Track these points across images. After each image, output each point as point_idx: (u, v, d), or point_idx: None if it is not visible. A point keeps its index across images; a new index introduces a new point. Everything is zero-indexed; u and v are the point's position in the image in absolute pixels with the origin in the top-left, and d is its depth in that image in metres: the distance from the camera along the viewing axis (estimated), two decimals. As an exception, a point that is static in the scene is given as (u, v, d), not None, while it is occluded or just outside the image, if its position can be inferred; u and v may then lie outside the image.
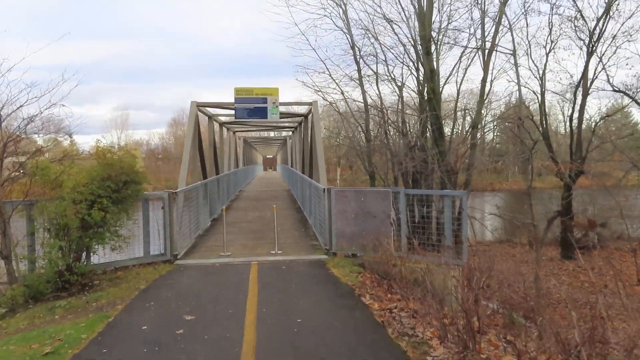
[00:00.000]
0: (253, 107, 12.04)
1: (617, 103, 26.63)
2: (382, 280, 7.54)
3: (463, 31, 34.41)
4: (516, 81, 20.30)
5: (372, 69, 25.53)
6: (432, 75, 19.99)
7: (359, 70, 24.54)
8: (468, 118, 27.97)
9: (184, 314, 5.52)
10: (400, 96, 25.81)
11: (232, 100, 12.27)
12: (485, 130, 25.17)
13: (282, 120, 21.07)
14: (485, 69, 20.37)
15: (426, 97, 23.70)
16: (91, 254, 7.49)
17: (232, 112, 12.53)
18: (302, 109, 18.03)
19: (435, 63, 20.39)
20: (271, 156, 77.65)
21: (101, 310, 5.77)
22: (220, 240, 9.96)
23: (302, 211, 15.57)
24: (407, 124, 27.24)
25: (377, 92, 25.30)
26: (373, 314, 5.56)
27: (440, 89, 21.57)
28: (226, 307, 5.76)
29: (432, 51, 20.05)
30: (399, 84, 25.60)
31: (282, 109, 12.85)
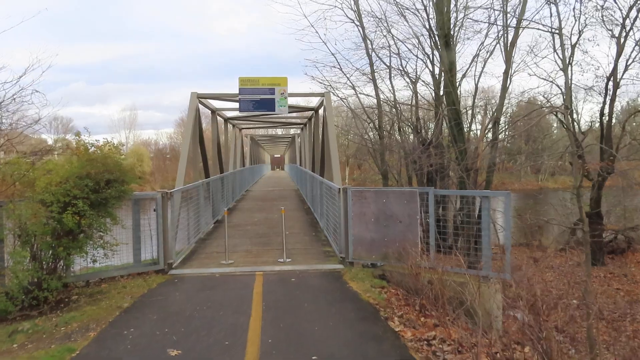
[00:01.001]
0: (259, 99, 10.91)
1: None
2: (410, 296, 6.37)
3: (482, 22, 33.02)
4: (541, 74, 18.94)
5: (384, 63, 24.35)
6: (451, 68, 18.74)
7: (371, 64, 23.35)
8: (480, 115, 26.71)
9: (169, 345, 4.40)
10: (414, 91, 24.63)
11: (237, 92, 11.15)
12: (507, 125, 23.82)
13: (290, 115, 19.98)
14: (508, 59, 19.09)
15: (443, 92, 22.51)
16: (70, 265, 6.40)
17: (237, 105, 11.36)
18: (312, 103, 16.86)
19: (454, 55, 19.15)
20: (279, 155, 76.71)
21: (68, 339, 4.66)
22: (222, 245, 8.84)
23: (311, 212, 14.44)
24: (422, 121, 26.05)
25: (391, 87, 24.11)
26: (407, 347, 4.40)
27: (458, 83, 20.33)
28: (222, 336, 4.63)
29: (451, 43, 18.83)
30: (413, 78, 24.47)
31: (291, 101, 11.69)
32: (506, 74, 19.40)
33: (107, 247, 6.69)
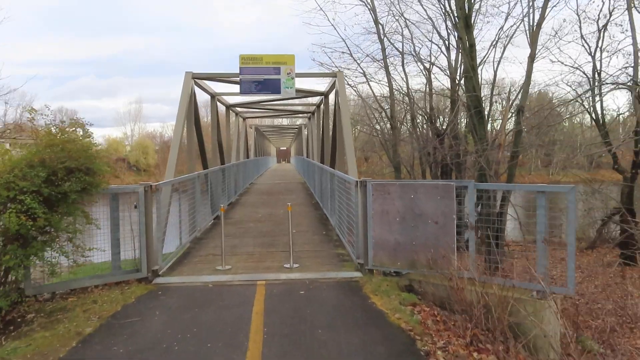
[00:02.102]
0: (263, 80, 9.59)
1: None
2: (450, 316, 5.08)
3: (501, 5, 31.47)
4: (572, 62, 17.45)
5: (397, 49, 22.92)
6: (471, 51, 17.29)
7: (383, 49, 21.92)
8: (499, 104, 25.19)
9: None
10: (429, 78, 23.21)
11: (238, 72, 9.83)
12: (531, 113, 22.26)
13: (296, 102, 18.68)
14: (533, 41, 17.59)
15: (462, 77, 21.06)
16: (26, 277, 5.16)
17: (240, 91, 10.02)
18: (322, 88, 15.49)
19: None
20: (285, 148, 75.51)
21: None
22: (220, 246, 7.54)
23: (320, 208, 13.15)
24: (437, 110, 24.61)
25: (403, 75, 22.66)
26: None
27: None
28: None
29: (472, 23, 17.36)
30: (427, 64, 23.01)
31: (298, 85, 10.33)
32: (531, 58, 17.90)
33: (74, 254, 5.46)
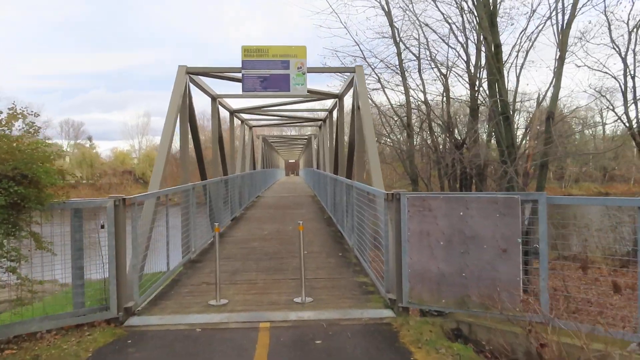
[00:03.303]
0: (269, 75, 8.24)
1: None
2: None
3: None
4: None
5: (413, 53, 21.56)
6: (497, 52, 15.88)
7: (398, 54, 20.56)
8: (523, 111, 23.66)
9: None
10: (446, 85, 21.80)
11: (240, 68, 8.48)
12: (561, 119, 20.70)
13: (305, 109, 17.32)
14: (563, 42, 16.16)
15: (479, 84, 19.71)
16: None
17: (242, 89, 8.64)
18: (334, 89, 14.10)
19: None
20: (293, 161, 74.47)
21: None
22: (221, 271, 6.03)
23: (334, 224, 11.71)
24: (455, 118, 23.16)
25: (420, 81, 21.27)
26: None
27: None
28: None
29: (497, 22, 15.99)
30: (445, 70, 21.62)
31: (309, 81, 8.94)
32: (561, 60, 16.43)
33: (18, 289, 4.07)
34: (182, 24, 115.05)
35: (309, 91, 9.88)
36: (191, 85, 9.74)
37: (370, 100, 22.82)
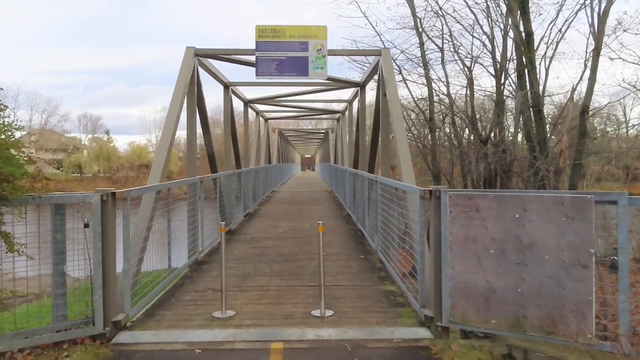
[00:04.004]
0: (285, 58, 7.43)
1: None
2: None
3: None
4: None
5: (436, 44, 20.53)
6: (528, 41, 14.79)
7: (421, 44, 19.54)
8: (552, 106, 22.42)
9: None
10: (470, 78, 20.72)
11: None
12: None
13: (324, 99, 16.48)
14: (600, 32, 15.01)
15: (505, 77, 18.64)
16: None
17: (256, 73, 7.84)
18: (355, 78, 13.19)
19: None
20: (309, 155, 73.83)
21: None
22: (228, 275, 5.26)
23: (353, 222, 10.90)
24: (480, 113, 22.07)
25: (443, 73, 20.29)
26: None
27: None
28: None
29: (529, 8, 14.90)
30: (469, 62, 20.56)
31: (330, 66, 8.08)
32: (597, 51, 15.25)
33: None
34: (201, 20, 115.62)
35: (328, 78, 9.06)
36: (201, 71, 9.01)
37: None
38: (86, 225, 4.09)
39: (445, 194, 4.22)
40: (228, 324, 4.53)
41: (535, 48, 16.32)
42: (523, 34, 14.83)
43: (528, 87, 15.13)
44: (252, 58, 7.77)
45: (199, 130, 9.75)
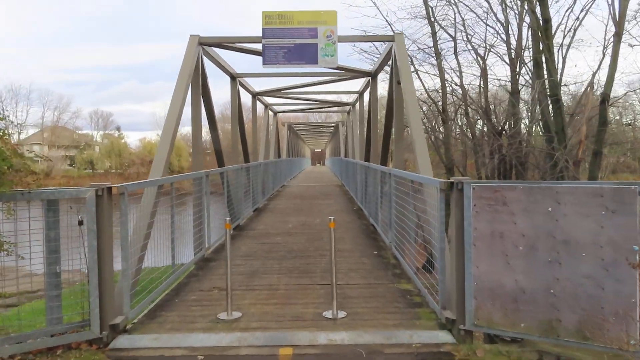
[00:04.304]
0: (293, 45, 7.08)
1: None
2: None
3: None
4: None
5: (449, 34, 20.02)
6: (546, 28, 14.25)
7: (433, 34, 19.08)
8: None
9: None
10: (484, 69, 20.19)
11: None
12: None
13: (332, 91, 16.11)
14: (622, 15, 14.42)
15: (520, 65, 18.12)
16: None
17: (263, 62, 7.50)
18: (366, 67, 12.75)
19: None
20: (319, 150, 73.58)
21: None
22: (234, 273, 4.95)
23: (365, 216, 10.58)
24: (494, 103, 21.53)
25: (455, 63, 19.75)
26: None
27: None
28: None
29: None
30: (482, 52, 20.02)
31: (341, 54, 7.69)
32: (618, 36, 14.68)
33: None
34: (213, 15, 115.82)
35: (338, 67, 8.70)
36: (207, 62, 8.70)
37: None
38: (80, 223, 3.81)
39: (468, 186, 3.86)
40: (234, 327, 4.23)
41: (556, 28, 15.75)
42: (540, 20, 14.28)
43: (546, 76, 14.60)
44: (259, 47, 7.44)
45: (207, 125, 9.48)
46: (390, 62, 7.92)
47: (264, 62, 7.25)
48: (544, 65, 14.88)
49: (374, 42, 19.62)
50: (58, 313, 3.91)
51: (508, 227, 3.69)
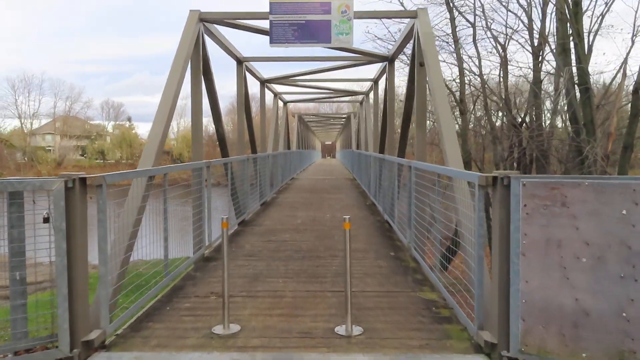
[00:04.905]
0: (304, 22, 6.35)
1: None
2: None
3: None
4: None
5: (468, 20, 19.08)
6: (575, 12, 13.31)
7: (452, 19, 18.17)
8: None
9: None
10: (504, 58, 19.23)
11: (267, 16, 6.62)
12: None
13: (344, 78, 15.31)
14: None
15: (543, 53, 17.18)
16: None
17: (270, 40, 6.78)
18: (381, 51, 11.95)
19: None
20: (330, 142, 72.93)
21: None
22: (235, 276, 4.28)
23: (378, 212, 9.88)
24: (515, 94, 20.60)
25: (474, 50, 18.85)
26: None
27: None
28: None
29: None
30: (502, 40, 19.05)
31: (357, 34, 6.93)
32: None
33: None
34: (225, 6, 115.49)
35: (353, 50, 7.97)
36: (211, 44, 8.02)
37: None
38: (46, 220, 3.17)
39: (516, 182, 3.14)
40: (230, 345, 3.57)
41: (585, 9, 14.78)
42: (570, 1, 13.33)
43: (574, 63, 13.68)
44: (266, 24, 6.72)
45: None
46: (412, 42, 7.14)
47: (271, 41, 6.52)
48: (572, 52, 13.96)
49: (389, 30, 18.79)
50: (23, 327, 3.29)
51: (568, 234, 2.97)
